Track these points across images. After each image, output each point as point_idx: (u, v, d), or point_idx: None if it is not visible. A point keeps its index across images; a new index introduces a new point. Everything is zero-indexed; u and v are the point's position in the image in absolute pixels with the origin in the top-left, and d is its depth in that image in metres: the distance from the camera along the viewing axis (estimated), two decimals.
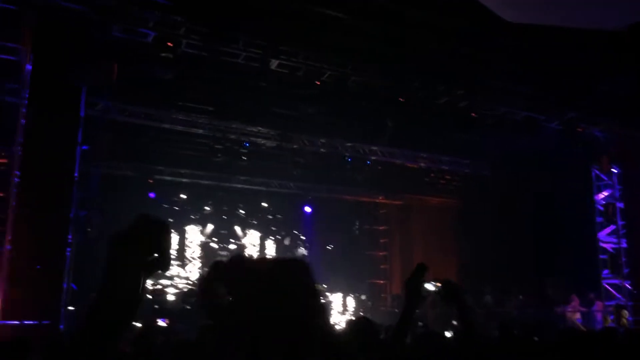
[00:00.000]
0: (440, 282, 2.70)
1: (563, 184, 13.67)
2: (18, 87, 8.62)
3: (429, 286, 2.67)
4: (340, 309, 14.80)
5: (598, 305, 13.20)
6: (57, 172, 8.40)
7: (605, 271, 13.20)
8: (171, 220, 15.95)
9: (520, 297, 14.61)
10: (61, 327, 8.23)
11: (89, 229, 10.04)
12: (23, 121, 8.26)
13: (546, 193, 14.18)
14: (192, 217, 16.57)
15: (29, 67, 8.28)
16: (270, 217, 17.66)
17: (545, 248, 14.03)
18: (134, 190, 14.60)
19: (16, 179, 8.17)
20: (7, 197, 8.61)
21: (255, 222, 17.45)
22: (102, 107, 10.98)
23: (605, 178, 13.47)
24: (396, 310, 15.12)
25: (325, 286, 15.26)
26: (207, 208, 16.59)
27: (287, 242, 17.75)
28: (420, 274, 2.46)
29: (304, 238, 17.80)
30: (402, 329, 2.43)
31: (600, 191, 13.53)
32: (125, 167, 13.87)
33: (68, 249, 8.50)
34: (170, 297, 14.70)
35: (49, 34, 8.35)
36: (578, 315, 13.12)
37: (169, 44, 9.22)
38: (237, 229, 17.19)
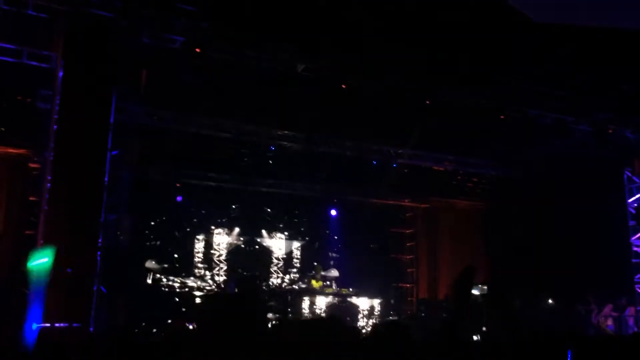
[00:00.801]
0: (486, 285, 2.67)
1: (594, 186, 13.42)
2: (51, 93, 8.78)
3: (476, 290, 2.65)
4: (367, 313, 14.72)
5: (630, 310, 12.93)
6: (88, 177, 8.54)
7: (638, 275, 12.92)
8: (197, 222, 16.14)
9: (550, 301, 14.37)
10: (91, 329, 8.35)
11: (119, 233, 10.18)
12: (55, 127, 8.41)
13: (577, 196, 13.93)
14: (219, 220, 16.68)
15: (61, 73, 8.44)
16: (296, 220, 17.68)
17: (576, 252, 13.78)
18: (162, 194, 14.77)
19: (48, 184, 8.32)
20: (39, 202, 8.76)
21: (282, 226, 17.48)
22: (131, 111, 11.13)
23: (638, 180, 13.19)
24: (423, 314, 14.99)
25: (352, 290, 15.23)
26: (233, 211, 16.69)
27: (316, 245, 17.76)
28: (470, 277, 2.42)
29: (336, 237, 17.73)
30: (452, 331, 2.41)
31: (632, 194, 13.25)
32: (153, 171, 14.03)
33: (98, 253, 8.63)
34: (198, 300, 14.82)
35: (79, 41, 8.51)
36: (610, 321, 12.87)
37: (197, 49, 9.32)
38: (264, 232, 17.24)
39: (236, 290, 14.22)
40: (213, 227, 16.57)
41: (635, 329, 12.46)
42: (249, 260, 16.68)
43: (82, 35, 8.49)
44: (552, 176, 14.46)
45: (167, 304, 13.52)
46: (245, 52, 9.89)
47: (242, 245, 16.95)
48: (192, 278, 15.35)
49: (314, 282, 15.49)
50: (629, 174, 13.30)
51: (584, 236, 13.62)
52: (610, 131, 12.26)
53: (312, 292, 14.82)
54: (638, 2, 8.06)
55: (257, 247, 17.19)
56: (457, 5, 8.42)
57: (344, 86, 11.04)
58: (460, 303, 2.41)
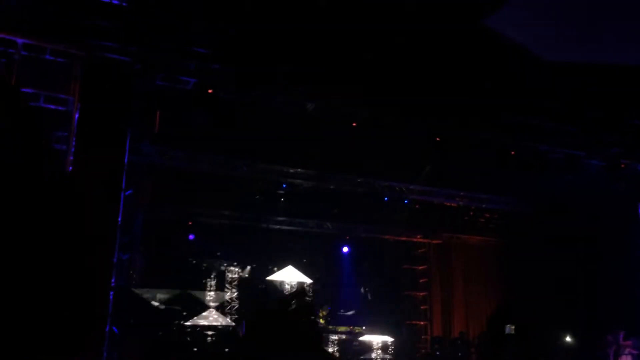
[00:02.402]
0: (515, 325, 2.66)
1: (608, 221, 13.30)
2: (67, 135, 8.94)
3: (508, 329, 2.64)
4: (380, 352, 14.53)
5: None
6: (102, 218, 8.61)
7: None
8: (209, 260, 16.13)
9: (568, 338, 14.11)
10: None
11: (132, 272, 10.20)
12: (70, 168, 8.54)
13: (590, 231, 13.80)
14: (231, 258, 16.67)
15: (77, 115, 8.62)
16: (308, 257, 17.63)
17: (591, 289, 13.59)
18: (174, 233, 14.83)
19: None
20: None
21: (294, 263, 17.43)
22: (144, 152, 11.29)
23: None
24: (437, 352, 14.76)
25: (364, 328, 15.07)
26: (245, 249, 16.69)
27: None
28: (504, 316, 2.40)
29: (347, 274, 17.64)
30: None
31: None
32: (165, 210, 14.13)
33: (111, 293, 8.65)
34: (209, 339, 14.73)
35: (95, 84, 8.71)
36: (630, 359, 12.59)
37: (209, 90, 9.50)
38: (276, 269, 17.19)
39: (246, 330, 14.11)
40: (225, 265, 16.55)
41: None
42: (262, 298, 16.58)
43: (98, 79, 8.70)
44: (564, 212, 14.37)
45: (179, 344, 13.42)
46: (256, 92, 10.06)
47: (255, 283, 16.89)
48: (203, 316, 15.26)
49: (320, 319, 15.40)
50: None
51: (599, 271, 13.44)
52: (622, 166, 12.22)
53: (324, 331, 14.68)
54: None
55: (269, 284, 17.11)
56: (467, 43, 8.54)
57: (354, 124, 11.15)
58: (495, 342, 2.39)
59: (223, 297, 16.32)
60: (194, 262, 15.86)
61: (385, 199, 15.29)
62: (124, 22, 8.36)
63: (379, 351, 14.50)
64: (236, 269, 16.64)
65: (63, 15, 8.09)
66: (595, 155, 12.12)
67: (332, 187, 14.14)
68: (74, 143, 8.64)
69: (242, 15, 8.31)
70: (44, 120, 9.53)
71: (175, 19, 8.40)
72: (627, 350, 12.70)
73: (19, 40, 8.33)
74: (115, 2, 8.18)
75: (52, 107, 8.91)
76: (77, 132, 8.59)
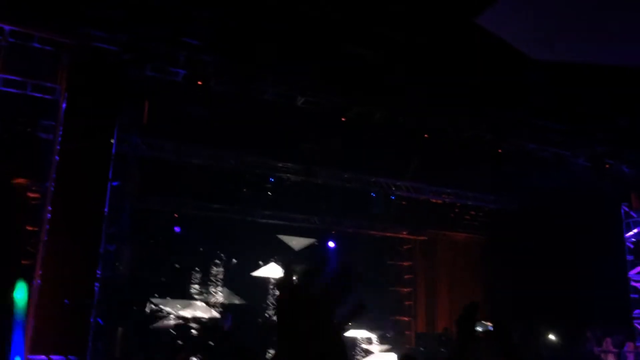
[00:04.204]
0: (491, 323, 2.66)
1: (592, 221, 13.46)
2: (54, 124, 8.85)
3: (480, 327, 2.65)
4: (365, 347, 14.58)
5: (629, 346, 12.85)
6: (88, 208, 8.55)
7: (637, 311, 12.88)
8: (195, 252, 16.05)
9: (550, 336, 14.28)
10: None
11: (118, 264, 10.14)
12: (57, 157, 8.46)
13: (575, 230, 13.96)
14: (217, 251, 16.61)
15: (64, 105, 8.52)
16: (294, 251, 17.63)
17: (574, 286, 13.74)
18: (161, 225, 14.74)
19: (48, 215, 8.32)
20: (39, 232, 8.75)
21: (278, 257, 17.43)
22: (132, 143, 11.20)
23: (635, 215, 13.24)
24: (421, 348, 14.85)
25: (350, 323, 15.06)
26: (231, 242, 16.64)
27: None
28: (473, 314, 2.41)
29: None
30: None
31: (630, 229, 13.28)
32: (153, 202, 14.03)
33: (96, 284, 8.58)
34: (194, 332, 14.67)
35: (83, 73, 8.62)
36: (611, 357, 12.78)
37: (199, 82, 9.44)
38: (261, 263, 17.17)
39: (231, 323, 14.10)
40: (211, 258, 16.49)
41: None
42: (246, 292, 16.56)
43: (86, 68, 8.61)
44: (550, 210, 14.50)
45: (164, 337, 13.36)
46: (246, 84, 10.01)
47: (240, 276, 16.85)
48: (189, 309, 15.20)
49: None
50: (626, 209, 13.36)
51: (581, 270, 13.60)
52: (607, 166, 12.36)
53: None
54: (631, 39, 8.23)
55: (254, 278, 17.08)
56: (456, 41, 8.56)
57: (343, 119, 11.15)
58: (463, 339, 2.39)
59: (208, 289, 16.27)
60: (179, 254, 15.77)
61: (372, 194, 15.33)
62: (114, 12, 8.27)
63: (363, 345, 14.55)
64: (221, 262, 16.59)
65: (51, 3, 7.99)
66: (581, 154, 12.25)
67: (319, 181, 14.15)
68: (60, 132, 8.55)
69: (234, 7, 8.26)
70: (31, 108, 9.43)
71: (166, 8, 8.33)
72: (605, 347, 12.90)
73: (6, 27, 8.21)
74: None
75: (39, 95, 8.81)
76: (64, 122, 8.51)
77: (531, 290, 14.37)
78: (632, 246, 13.15)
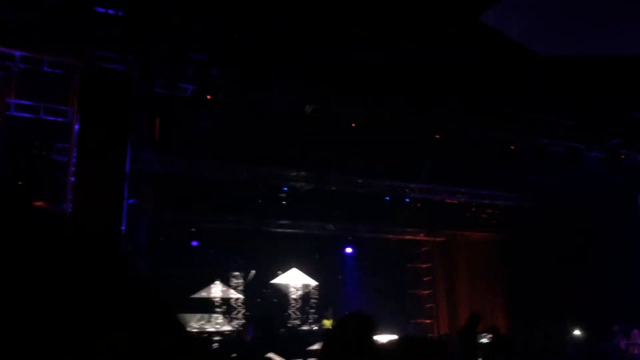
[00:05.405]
0: (491, 333, 2.67)
1: (609, 213, 13.33)
2: (67, 146, 8.97)
3: (483, 339, 2.65)
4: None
5: None
6: (105, 227, 8.62)
7: None
8: (213, 265, 16.11)
9: (575, 332, 14.12)
10: None
11: None
12: (72, 179, 8.56)
13: (593, 224, 13.83)
14: (235, 263, 16.67)
15: (77, 126, 8.64)
16: (312, 259, 17.63)
17: (596, 281, 13.60)
18: (178, 240, 14.84)
19: None
20: None
21: (298, 266, 17.43)
22: (145, 159, 11.30)
23: None
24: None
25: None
26: (249, 253, 16.70)
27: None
28: (474, 325, 2.42)
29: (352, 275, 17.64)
30: None
31: None
32: (168, 217, 14.14)
33: None
34: (215, 345, 14.70)
35: (93, 94, 8.73)
36: (637, 349, 12.61)
37: (208, 96, 9.52)
38: (279, 273, 17.19)
39: (253, 334, 14.11)
40: (230, 270, 16.55)
41: None
42: (267, 302, 16.59)
43: (96, 89, 8.72)
44: (567, 205, 14.39)
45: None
46: (254, 95, 10.08)
47: (259, 287, 16.89)
48: (210, 322, 15.25)
49: (325, 321, 15.42)
50: None
51: (602, 263, 13.46)
52: (622, 157, 12.24)
53: None
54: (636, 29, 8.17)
55: (274, 288, 17.11)
56: (464, 40, 8.56)
57: (353, 125, 11.16)
58: (465, 349, 2.40)
59: (228, 302, 16.31)
60: (198, 268, 15.84)
61: (387, 198, 15.32)
62: (120, 31, 8.39)
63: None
64: (240, 274, 16.64)
65: (59, 27, 8.12)
66: (595, 147, 12.14)
67: (333, 188, 14.16)
68: (75, 154, 8.65)
69: (239, 20, 8.34)
70: (45, 131, 9.56)
71: (171, 26, 8.42)
72: (634, 340, 12.73)
73: (17, 53, 8.35)
74: (111, 11, 8.21)
75: (52, 118, 8.93)
76: (78, 143, 8.61)
77: (553, 287, 14.25)
78: None
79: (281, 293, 17.11)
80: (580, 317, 14.07)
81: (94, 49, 8.46)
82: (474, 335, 2.36)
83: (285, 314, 16.66)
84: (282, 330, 15.15)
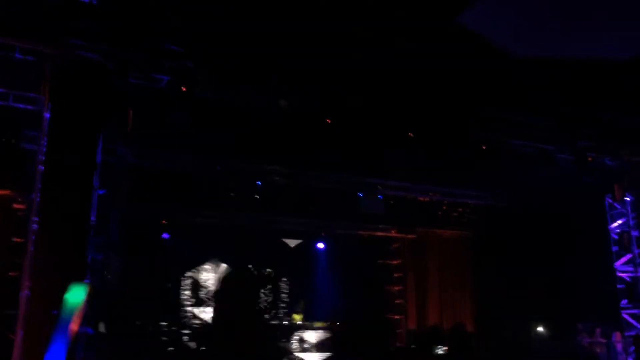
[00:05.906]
0: (458, 330, 2.75)
1: (578, 214, 13.61)
2: (37, 134, 8.81)
3: (439, 351, 2.73)
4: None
5: (617, 335, 13.01)
6: (74, 217, 8.50)
7: (624, 301, 13.02)
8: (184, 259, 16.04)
9: (540, 328, 14.42)
10: None
11: (106, 273, 10.10)
12: (41, 168, 8.41)
13: (562, 224, 14.11)
14: (206, 256, 16.60)
15: (47, 115, 8.49)
16: (284, 254, 17.65)
17: (563, 280, 13.90)
18: (150, 233, 14.72)
19: (34, 225, 8.27)
20: (25, 243, 8.69)
21: (269, 261, 17.44)
22: (119, 152, 11.16)
23: (619, 207, 13.39)
24: (412, 346, 14.95)
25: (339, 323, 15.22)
26: (220, 247, 16.64)
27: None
28: (433, 336, 2.48)
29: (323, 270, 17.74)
30: None
31: (614, 220, 13.44)
32: (140, 210, 13.99)
33: None
34: (185, 338, 14.67)
35: (66, 82, 8.58)
36: (600, 347, 12.94)
37: (183, 88, 9.44)
38: (251, 267, 17.17)
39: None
40: (200, 264, 16.48)
41: (624, 355, 12.51)
42: (238, 296, 16.56)
43: (69, 77, 8.56)
44: (537, 205, 14.65)
45: (155, 344, 13.34)
46: (229, 89, 10.03)
47: (230, 281, 16.84)
48: (179, 316, 15.20)
49: (295, 315, 15.54)
50: (610, 201, 13.52)
51: (570, 263, 13.75)
52: (590, 159, 12.49)
53: (304, 327, 14.86)
54: (611, 35, 8.37)
55: (244, 282, 17.08)
56: (439, 39, 8.65)
57: (328, 120, 11.18)
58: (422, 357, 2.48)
59: (198, 295, 16.25)
60: (168, 261, 15.74)
61: (360, 194, 15.40)
62: (95, 20, 8.26)
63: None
64: (211, 268, 16.58)
65: (32, 13, 7.96)
66: (564, 149, 12.37)
67: (306, 183, 14.19)
68: (45, 142, 8.51)
69: (216, 13, 8.29)
70: (14, 119, 9.40)
71: (148, 17, 8.33)
72: (596, 338, 13.06)
73: None
74: (86, 0, 8.08)
75: (22, 106, 8.78)
76: (48, 132, 8.46)
77: (521, 285, 14.52)
78: (616, 237, 13.30)
79: (252, 287, 17.09)
80: (546, 314, 14.37)
81: (67, 38, 8.31)
82: (431, 346, 2.42)
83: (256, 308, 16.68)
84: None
